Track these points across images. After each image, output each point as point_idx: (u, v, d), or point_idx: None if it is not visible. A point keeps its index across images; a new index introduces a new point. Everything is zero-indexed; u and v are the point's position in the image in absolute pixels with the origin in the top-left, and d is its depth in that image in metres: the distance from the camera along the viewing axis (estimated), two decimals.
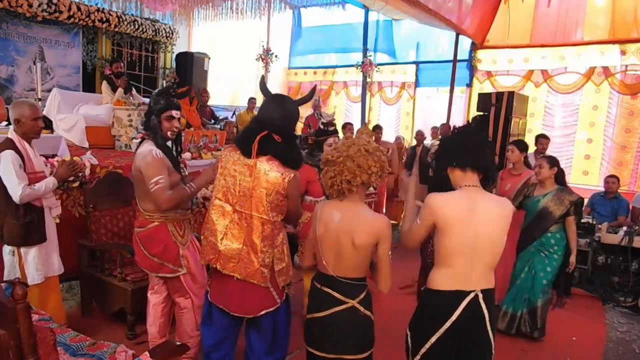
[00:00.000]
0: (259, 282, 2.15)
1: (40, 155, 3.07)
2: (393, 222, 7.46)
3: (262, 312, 2.21)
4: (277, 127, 2.15)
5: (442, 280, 1.93)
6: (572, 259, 3.62)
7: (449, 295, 1.91)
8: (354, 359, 1.99)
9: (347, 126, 6.75)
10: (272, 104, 2.23)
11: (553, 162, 3.66)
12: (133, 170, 2.56)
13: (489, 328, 1.92)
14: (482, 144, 2.04)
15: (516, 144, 4.26)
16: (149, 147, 2.51)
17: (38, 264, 2.87)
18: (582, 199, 3.63)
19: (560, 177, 3.68)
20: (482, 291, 1.91)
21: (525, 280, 3.67)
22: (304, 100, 2.38)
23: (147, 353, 1.82)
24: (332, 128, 3.40)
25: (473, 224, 1.87)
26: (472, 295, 1.89)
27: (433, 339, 1.90)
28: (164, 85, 8.58)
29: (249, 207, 2.13)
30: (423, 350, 1.93)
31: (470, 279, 1.90)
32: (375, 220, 1.97)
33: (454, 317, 1.88)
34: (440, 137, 7.24)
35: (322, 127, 3.42)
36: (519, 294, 3.68)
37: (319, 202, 2.21)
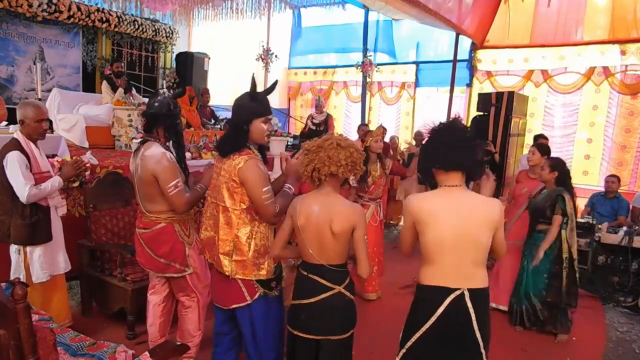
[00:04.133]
0: (224, 271, 2.24)
1: None
2: (391, 221, 7.47)
3: (234, 306, 2.30)
4: (228, 120, 2.33)
5: (427, 276, 1.97)
6: (539, 254, 3.56)
7: (434, 290, 1.93)
8: (338, 339, 2.13)
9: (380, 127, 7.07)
10: None
11: (554, 166, 3.65)
12: (141, 173, 2.51)
13: (476, 328, 1.89)
14: (463, 143, 1.99)
15: (538, 146, 4.16)
16: (160, 150, 2.50)
17: (43, 262, 2.90)
18: (559, 195, 3.57)
19: (561, 180, 3.65)
20: (470, 290, 1.90)
21: (522, 277, 3.82)
22: (265, 92, 2.36)
23: (147, 353, 1.82)
24: (322, 128, 3.43)
25: (450, 221, 1.88)
26: (457, 292, 1.89)
27: (418, 334, 1.94)
28: (164, 85, 8.57)
29: (217, 197, 2.27)
30: (409, 343, 1.97)
31: (456, 275, 1.90)
32: (350, 209, 2.12)
33: (438, 313, 1.89)
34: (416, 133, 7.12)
35: (313, 127, 3.45)
36: (520, 290, 3.82)
37: (297, 197, 2.26)
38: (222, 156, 2.28)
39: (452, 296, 1.89)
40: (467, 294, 1.89)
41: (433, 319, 1.90)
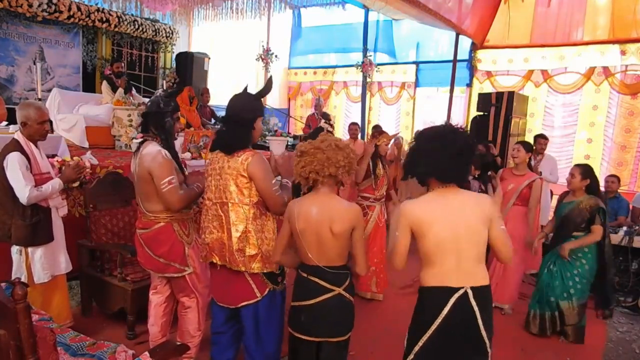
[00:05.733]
0: (237, 267, 2.26)
1: None
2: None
3: (242, 304, 2.33)
4: (226, 119, 2.36)
5: (430, 277, 1.96)
6: (566, 246, 3.51)
7: (437, 290, 1.92)
8: (338, 341, 2.15)
9: (377, 128, 7.02)
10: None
11: (586, 174, 3.56)
12: (138, 171, 2.53)
13: (481, 327, 1.90)
14: (466, 157, 1.95)
15: (522, 144, 4.23)
16: (156, 148, 2.51)
17: (45, 263, 2.91)
18: (600, 207, 3.48)
19: (592, 187, 3.57)
20: (473, 289, 1.90)
21: (545, 282, 3.70)
22: (263, 92, 2.43)
23: (147, 353, 1.82)
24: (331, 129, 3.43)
25: (449, 221, 1.89)
26: (461, 292, 1.89)
27: (425, 337, 1.92)
28: (164, 85, 8.56)
29: (221, 196, 2.28)
30: (416, 348, 1.94)
31: (458, 275, 1.90)
32: (349, 209, 2.12)
33: (444, 313, 1.88)
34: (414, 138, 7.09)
35: (332, 126, 3.43)
36: (543, 296, 3.72)
37: (293, 200, 2.26)
38: (227, 154, 2.29)
39: (456, 295, 1.88)
40: (470, 292, 1.89)
41: (439, 320, 1.89)
